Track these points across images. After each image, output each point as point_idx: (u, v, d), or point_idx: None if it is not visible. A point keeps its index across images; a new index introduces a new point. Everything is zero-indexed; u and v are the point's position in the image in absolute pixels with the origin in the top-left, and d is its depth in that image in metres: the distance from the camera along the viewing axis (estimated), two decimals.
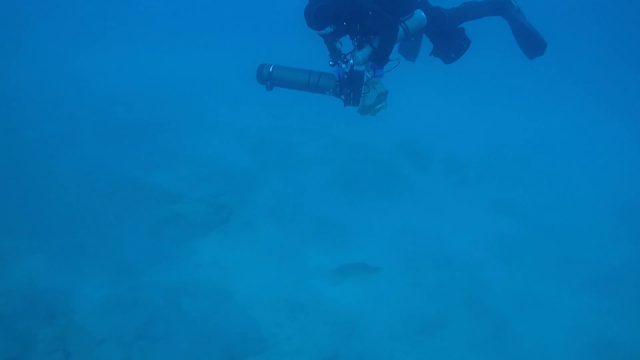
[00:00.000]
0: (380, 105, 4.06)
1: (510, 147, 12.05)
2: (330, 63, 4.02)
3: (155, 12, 23.37)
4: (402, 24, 4.07)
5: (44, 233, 7.04)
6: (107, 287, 6.33)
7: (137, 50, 16.81)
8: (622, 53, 22.96)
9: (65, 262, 6.60)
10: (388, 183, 9.96)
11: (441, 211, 9.20)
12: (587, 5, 24.96)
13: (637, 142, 13.65)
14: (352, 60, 3.97)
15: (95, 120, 10.81)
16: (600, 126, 14.81)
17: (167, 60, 16.44)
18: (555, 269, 8.04)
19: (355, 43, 4.03)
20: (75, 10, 20.67)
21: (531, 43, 4.69)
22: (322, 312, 6.57)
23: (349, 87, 4.02)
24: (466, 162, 11.08)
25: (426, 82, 15.49)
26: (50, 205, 7.62)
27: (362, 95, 4.02)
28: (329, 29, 3.76)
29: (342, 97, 4.08)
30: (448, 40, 4.52)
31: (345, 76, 4.00)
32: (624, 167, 11.74)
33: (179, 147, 10.19)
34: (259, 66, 4.20)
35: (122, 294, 6.30)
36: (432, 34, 4.52)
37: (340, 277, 7.20)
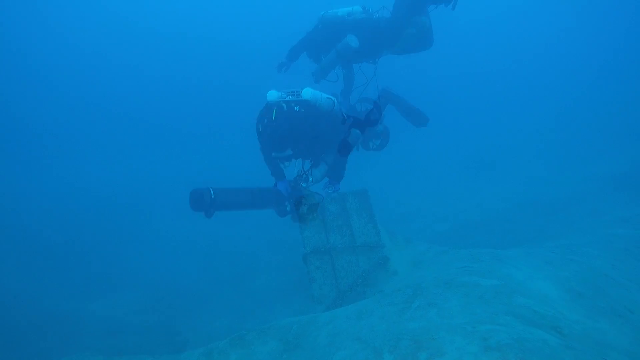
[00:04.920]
0: (312, 215, 4.57)
1: None
2: (292, 185, 4.38)
3: (79, 120, 22.58)
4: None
5: None
6: None
7: (66, 162, 15.79)
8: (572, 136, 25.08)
9: None
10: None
11: None
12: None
13: None
14: (311, 178, 4.49)
15: (18, 244, 9.44)
16: None
17: (99, 171, 15.50)
18: None
19: (310, 163, 4.64)
20: None
21: (416, 118, 5.96)
22: None
23: (294, 201, 4.37)
24: None
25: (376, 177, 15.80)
26: None
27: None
28: (289, 152, 4.24)
29: (287, 209, 4.40)
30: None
31: (293, 192, 4.39)
32: None
33: (120, 269, 9.00)
34: (194, 192, 3.96)
35: None
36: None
37: None
